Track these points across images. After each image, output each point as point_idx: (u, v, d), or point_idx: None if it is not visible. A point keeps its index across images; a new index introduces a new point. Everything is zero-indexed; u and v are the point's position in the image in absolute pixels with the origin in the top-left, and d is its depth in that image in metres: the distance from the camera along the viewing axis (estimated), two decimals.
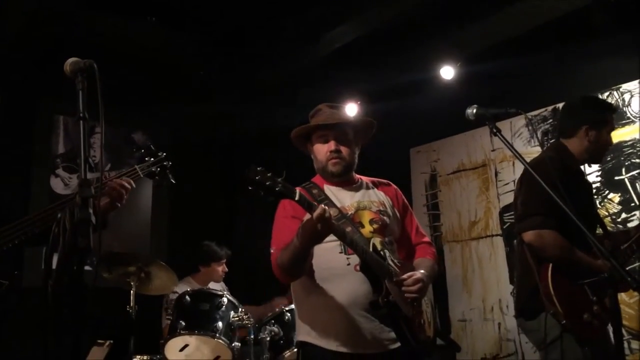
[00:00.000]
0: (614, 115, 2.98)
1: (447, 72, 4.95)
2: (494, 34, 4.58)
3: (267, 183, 1.97)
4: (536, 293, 2.63)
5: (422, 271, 2.40)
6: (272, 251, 2.39)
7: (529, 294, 2.72)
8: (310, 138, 2.58)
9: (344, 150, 2.51)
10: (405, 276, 2.33)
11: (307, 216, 2.11)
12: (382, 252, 2.33)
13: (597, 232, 2.89)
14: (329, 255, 2.34)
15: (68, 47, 4.28)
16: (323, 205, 2.08)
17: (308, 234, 2.10)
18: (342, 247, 2.35)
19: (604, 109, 2.96)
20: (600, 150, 2.94)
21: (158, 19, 4.58)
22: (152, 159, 2.28)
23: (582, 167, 3.02)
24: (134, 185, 2.06)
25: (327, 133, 2.52)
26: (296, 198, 2.05)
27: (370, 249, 2.29)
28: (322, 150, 2.52)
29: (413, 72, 4.98)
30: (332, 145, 2.50)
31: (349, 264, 2.34)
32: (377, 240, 2.35)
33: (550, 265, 2.62)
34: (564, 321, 2.53)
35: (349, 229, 2.25)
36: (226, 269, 4.81)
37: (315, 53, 4.98)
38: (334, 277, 2.35)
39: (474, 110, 2.46)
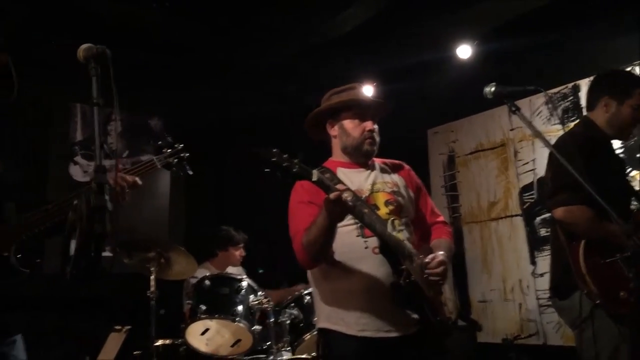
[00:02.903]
0: None
1: (464, 51, 4.88)
2: (512, 10, 4.48)
3: (284, 164, 1.96)
4: (568, 272, 2.60)
5: (442, 252, 2.37)
6: (292, 236, 2.36)
7: (561, 272, 2.70)
8: (338, 115, 2.53)
9: (377, 131, 2.52)
10: (428, 259, 2.31)
11: None
12: (400, 233, 2.31)
13: (633, 205, 2.85)
14: (346, 239, 2.31)
15: (82, 33, 4.31)
16: (341, 187, 2.06)
17: (329, 213, 2.10)
18: (360, 230, 2.33)
19: (627, 81, 2.89)
20: (622, 125, 2.84)
21: (170, 5, 4.55)
22: (169, 150, 2.26)
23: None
24: (139, 182, 2.04)
25: (366, 112, 2.50)
26: (314, 179, 2.03)
27: (388, 230, 2.26)
28: (357, 128, 2.48)
29: (429, 52, 4.91)
30: (370, 124, 2.49)
31: (366, 247, 2.32)
32: (394, 221, 2.32)
33: (582, 243, 2.57)
34: (598, 300, 2.50)
35: (366, 210, 2.22)
36: (244, 253, 4.84)
37: (330, 33, 4.93)
38: (352, 260, 2.32)
39: (492, 89, 2.43)
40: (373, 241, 2.29)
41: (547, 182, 2.80)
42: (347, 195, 2.04)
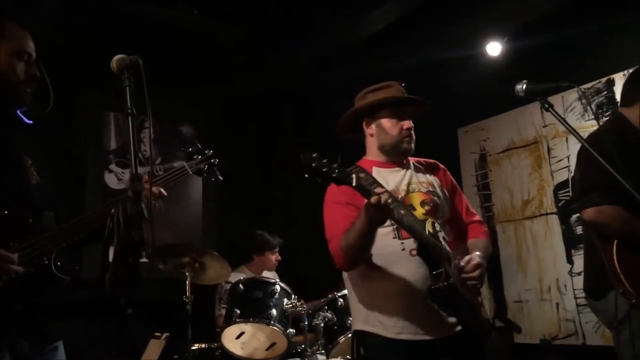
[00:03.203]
0: None
1: (494, 48, 4.83)
2: (542, 5, 4.42)
3: (324, 170, 1.95)
4: (603, 272, 2.52)
5: (478, 253, 2.35)
6: (328, 238, 2.35)
7: (595, 273, 2.63)
8: (375, 113, 2.50)
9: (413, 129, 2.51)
10: (463, 262, 2.29)
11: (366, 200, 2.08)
12: (437, 234, 2.29)
13: None
14: (383, 241, 2.29)
15: (112, 40, 4.37)
16: (380, 191, 2.04)
17: (369, 218, 2.09)
18: (396, 232, 2.32)
19: None
20: None
21: (194, 7, 4.60)
22: (200, 156, 2.28)
23: None
24: (164, 193, 2.06)
25: (404, 110, 2.48)
26: (353, 184, 2.01)
27: (427, 232, 2.25)
28: (395, 127, 2.46)
29: (458, 50, 4.87)
30: (408, 123, 2.47)
31: (403, 249, 2.31)
32: (431, 223, 2.30)
33: (615, 242, 2.49)
34: (634, 300, 2.43)
35: (402, 211, 2.20)
36: (279, 258, 4.86)
37: (359, 32, 4.92)
38: (389, 263, 2.31)
39: (524, 86, 2.38)
40: (410, 243, 2.29)
41: (576, 183, 2.73)
42: (386, 198, 2.02)
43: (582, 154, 2.69)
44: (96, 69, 2.76)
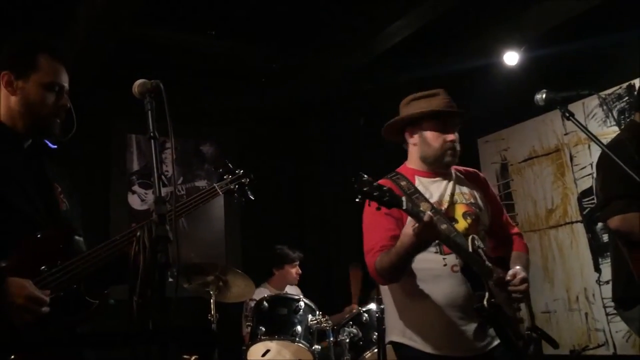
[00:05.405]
0: None
1: (511, 58, 4.80)
2: (559, 12, 4.40)
3: (375, 194, 1.97)
4: (632, 281, 2.51)
5: (518, 267, 2.35)
6: (366, 250, 2.34)
7: (624, 282, 2.60)
8: (418, 123, 2.46)
9: (457, 140, 2.48)
10: (509, 276, 2.28)
11: (409, 221, 2.10)
12: (479, 251, 2.27)
13: None
14: (424, 255, 2.25)
15: (133, 62, 4.44)
16: (430, 214, 2.04)
17: (413, 244, 2.09)
18: (438, 247, 2.31)
19: None
20: None
21: (217, 31, 4.68)
22: (230, 176, 2.29)
23: None
24: None
25: (449, 121, 2.45)
26: (404, 207, 2.02)
27: (470, 249, 2.24)
28: (438, 139, 2.43)
29: (475, 61, 4.86)
30: (452, 136, 2.44)
31: (445, 265, 2.29)
32: (474, 238, 2.29)
33: None
34: None
35: (444, 226, 2.19)
36: (300, 271, 4.87)
37: (377, 46, 4.93)
38: (430, 278, 2.30)
39: (544, 95, 2.38)
40: (451, 259, 2.28)
41: (598, 193, 2.71)
42: (436, 220, 2.03)
43: (601, 162, 2.68)
44: (118, 92, 2.81)
